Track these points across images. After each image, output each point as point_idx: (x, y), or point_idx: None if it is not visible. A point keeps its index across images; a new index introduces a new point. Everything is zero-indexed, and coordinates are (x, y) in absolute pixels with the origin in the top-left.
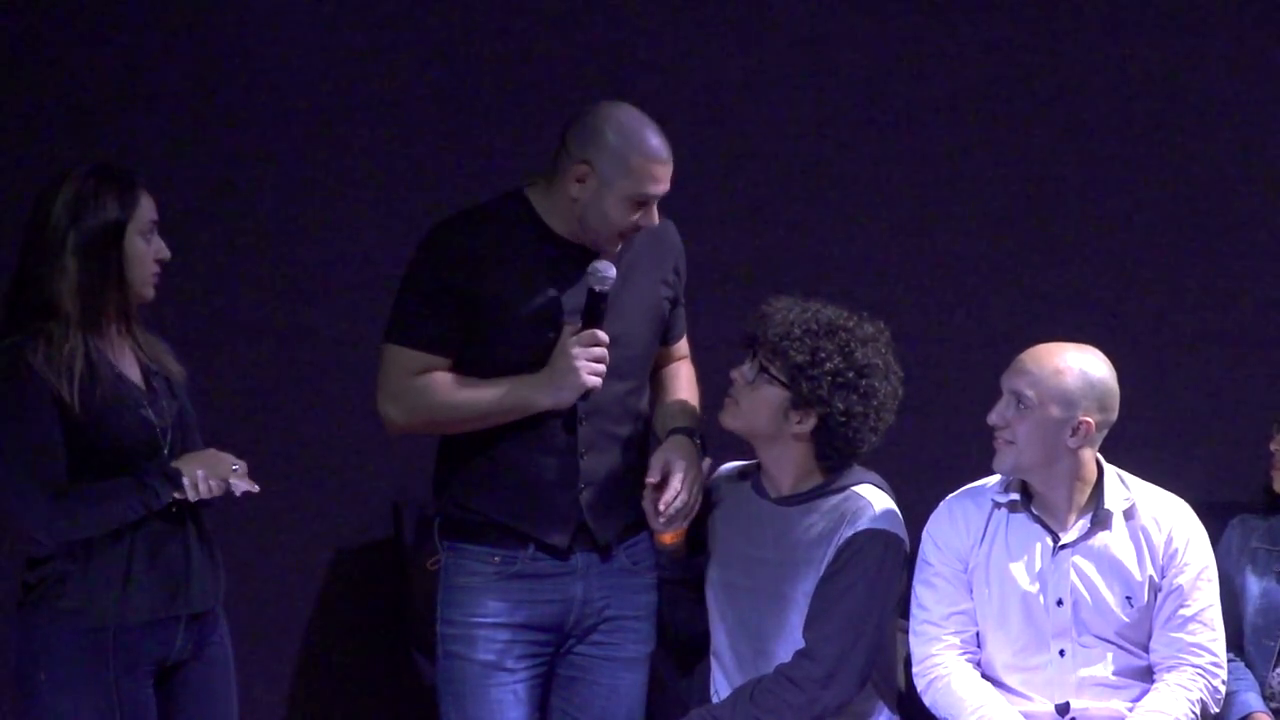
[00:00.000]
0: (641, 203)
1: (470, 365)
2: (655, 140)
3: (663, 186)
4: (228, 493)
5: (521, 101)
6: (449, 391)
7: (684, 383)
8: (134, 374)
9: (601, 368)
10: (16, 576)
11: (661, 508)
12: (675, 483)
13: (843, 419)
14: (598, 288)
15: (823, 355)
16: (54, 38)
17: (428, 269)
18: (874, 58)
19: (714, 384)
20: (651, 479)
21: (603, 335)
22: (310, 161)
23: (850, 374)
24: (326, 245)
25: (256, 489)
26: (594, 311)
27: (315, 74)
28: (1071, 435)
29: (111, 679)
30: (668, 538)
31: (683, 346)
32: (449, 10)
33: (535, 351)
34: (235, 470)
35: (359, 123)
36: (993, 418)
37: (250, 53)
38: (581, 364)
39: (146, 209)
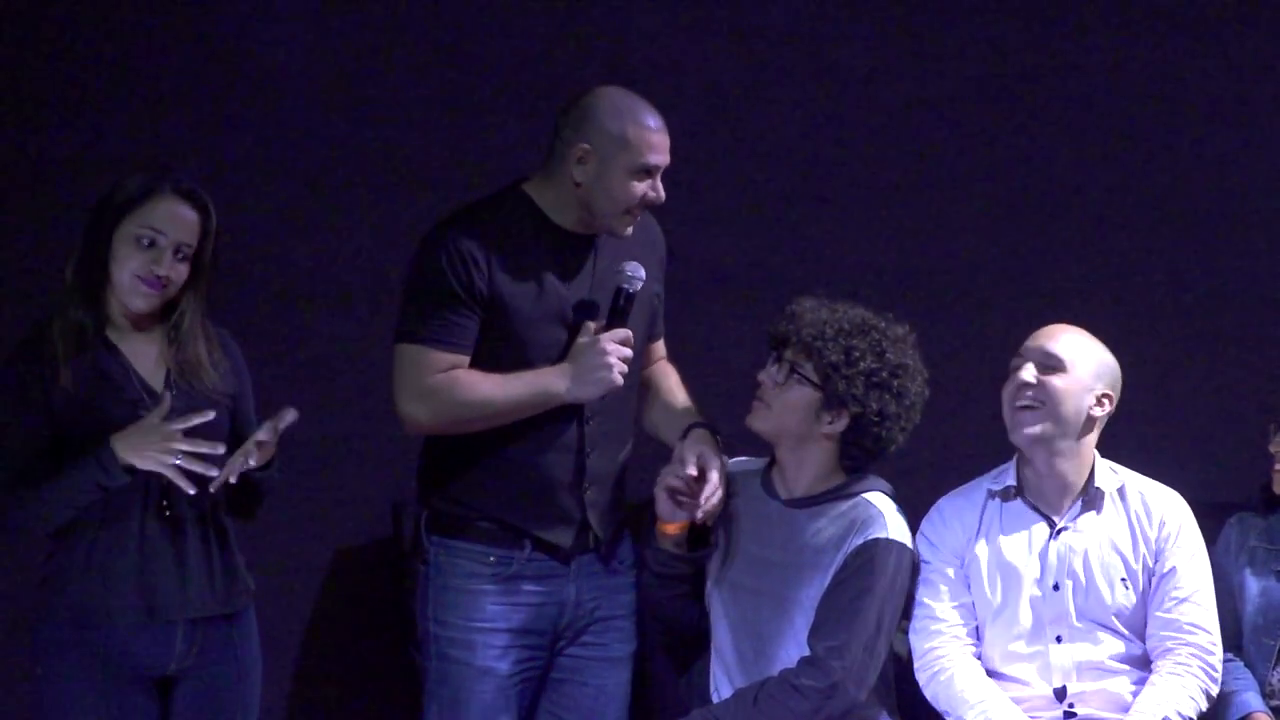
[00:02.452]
0: (645, 172)
1: (481, 362)
2: (648, 111)
3: (662, 156)
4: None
5: (522, 101)
6: (474, 388)
7: (677, 381)
8: (152, 375)
9: (625, 367)
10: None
11: (703, 502)
12: (715, 476)
13: (876, 419)
14: (628, 288)
15: (856, 355)
16: (54, 38)
17: (441, 268)
18: (874, 58)
19: (715, 383)
20: (691, 471)
21: (630, 334)
22: (310, 161)
23: (884, 374)
24: (326, 245)
25: (218, 476)
26: (621, 310)
27: (315, 74)
28: (1096, 405)
29: (99, 679)
30: (673, 529)
31: (662, 345)
32: (449, 10)
33: (546, 346)
34: (179, 448)
35: (359, 123)
36: (1021, 377)
37: (250, 53)
38: (614, 361)
39: (156, 215)
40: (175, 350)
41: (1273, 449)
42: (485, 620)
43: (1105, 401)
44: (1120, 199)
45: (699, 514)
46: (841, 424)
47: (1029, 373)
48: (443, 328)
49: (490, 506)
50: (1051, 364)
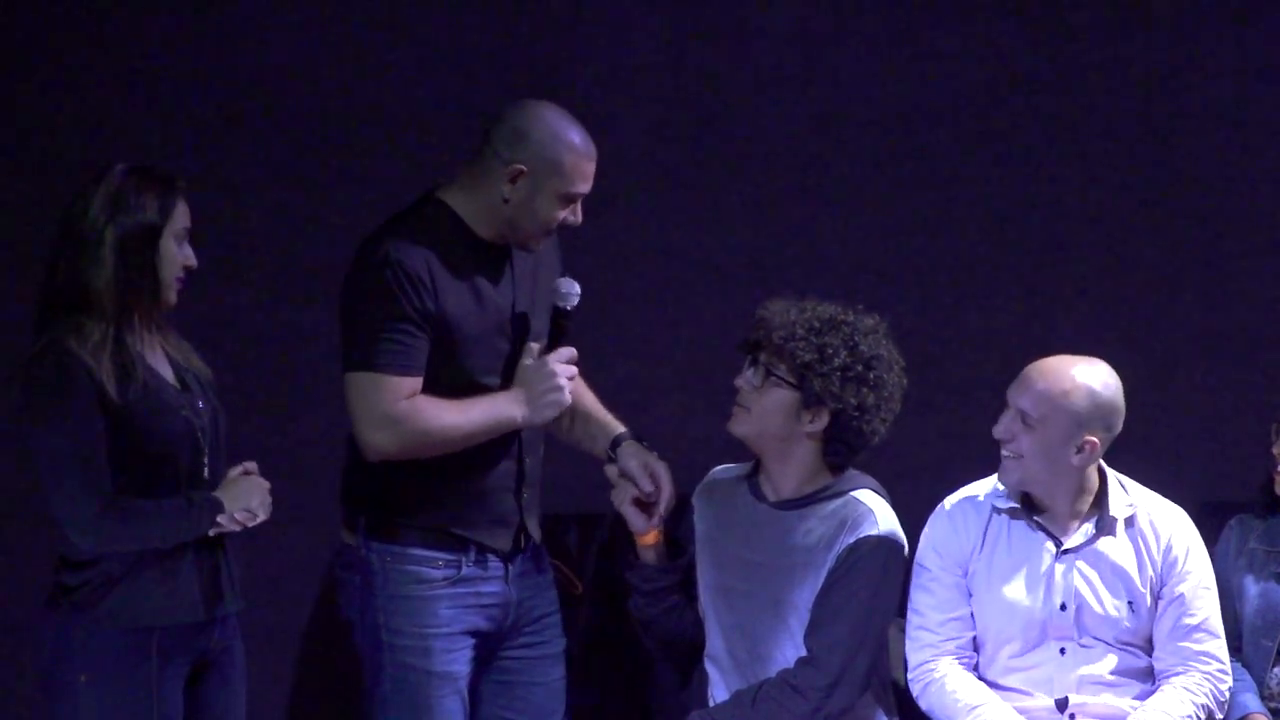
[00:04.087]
0: (571, 199)
1: (430, 382)
2: (582, 136)
3: (589, 184)
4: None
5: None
6: (438, 417)
7: (583, 384)
8: (168, 374)
9: (573, 385)
10: (30, 578)
11: (663, 510)
12: (666, 486)
13: (856, 413)
14: (564, 305)
15: (830, 351)
16: (54, 38)
17: (389, 289)
18: (874, 58)
19: (715, 385)
20: (647, 488)
21: (575, 352)
22: (310, 161)
23: (859, 367)
24: (326, 245)
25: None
26: (563, 329)
27: (315, 74)
28: (1077, 454)
29: (153, 680)
30: (651, 538)
31: None
32: (449, 10)
33: (489, 361)
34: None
35: (359, 123)
36: (999, 431)
37: (251, 53)
38: (563, 382)
39: (181, 215)
40: (163, 337)
41: (1275, 451)
42: (440, 625)
43: (1093, 443)
44: (1120, 199)
45: (653, 521)
46: (822, 422)
47: (1004, 427)
48: (398, 352)
49: (433, 514)
50: (1025, 420)
